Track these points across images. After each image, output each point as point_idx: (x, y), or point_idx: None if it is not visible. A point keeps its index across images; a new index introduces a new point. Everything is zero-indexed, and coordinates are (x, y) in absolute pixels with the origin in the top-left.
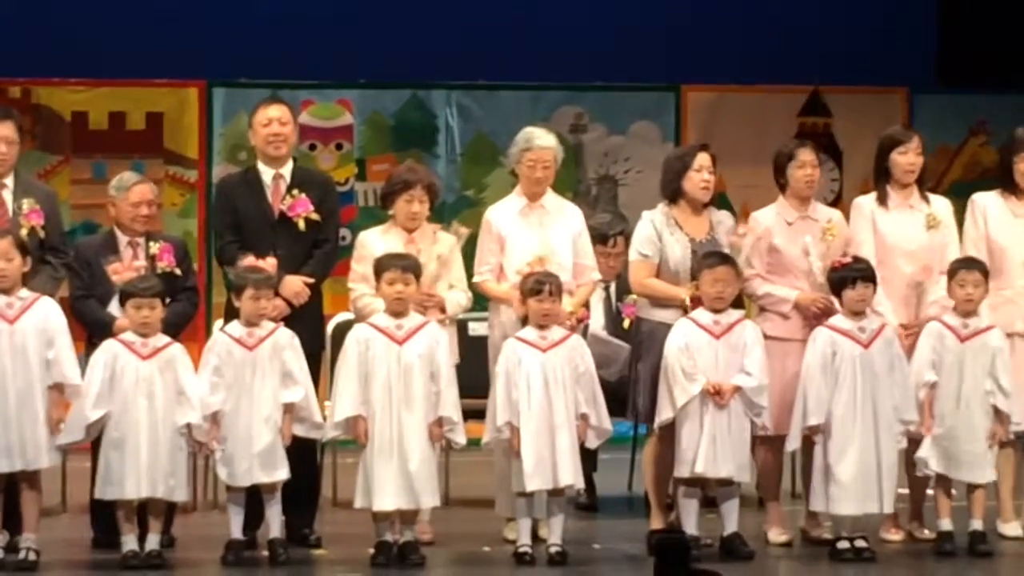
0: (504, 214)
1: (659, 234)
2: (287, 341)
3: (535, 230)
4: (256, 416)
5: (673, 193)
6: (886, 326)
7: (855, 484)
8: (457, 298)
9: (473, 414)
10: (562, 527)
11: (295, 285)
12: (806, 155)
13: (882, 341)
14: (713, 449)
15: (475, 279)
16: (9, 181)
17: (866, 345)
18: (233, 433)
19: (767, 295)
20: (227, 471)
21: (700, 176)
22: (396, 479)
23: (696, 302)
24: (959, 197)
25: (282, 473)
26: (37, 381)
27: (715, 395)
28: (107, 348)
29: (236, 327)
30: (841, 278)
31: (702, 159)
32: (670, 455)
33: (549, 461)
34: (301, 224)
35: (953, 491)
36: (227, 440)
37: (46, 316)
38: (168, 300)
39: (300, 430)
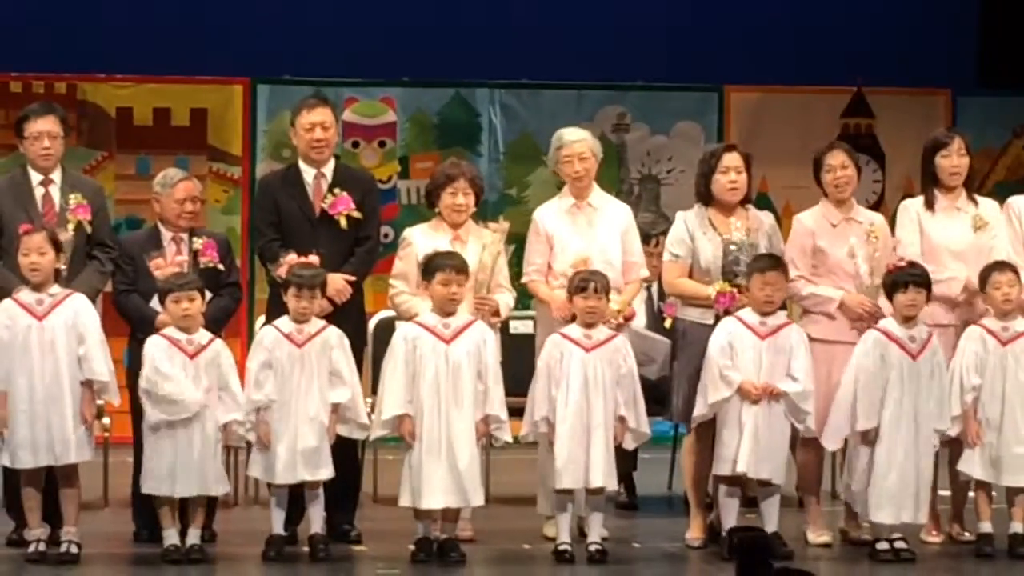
0: (551, 214)
1: (691, 234)
2: (336, 341)
3: (583, 229)
4: (302, 414)
5: (704, 195)
6: (934, 335)
7: (896, 494)
8: (506, 300)
9: (515, 412)
10: (601, 525)
11: (336, 283)
12: (833, 158)
13: (929, 351)
14: (755, 449)
15: (523, 279)
16: (56, 176)
17: (915, 356)
18: (278, 429)
19: (812, 295)
20: (265, 468)
21: (727, 177)
22: (445, 478)
23: (722, 297)
24: (1003, 199)
25: (325, 472)
26: (66, 377)
27: (755, 398)
28: (153, 343)
29: (286, 322)
30: (894, 282)
31: (728, 160)
32: (708, 454)
33: (582, 461)
34: (342, 222)
35: (993, 493)
36: (272, 435)
37: (76, 312)
38: (211, 296)
39: (344, 430)
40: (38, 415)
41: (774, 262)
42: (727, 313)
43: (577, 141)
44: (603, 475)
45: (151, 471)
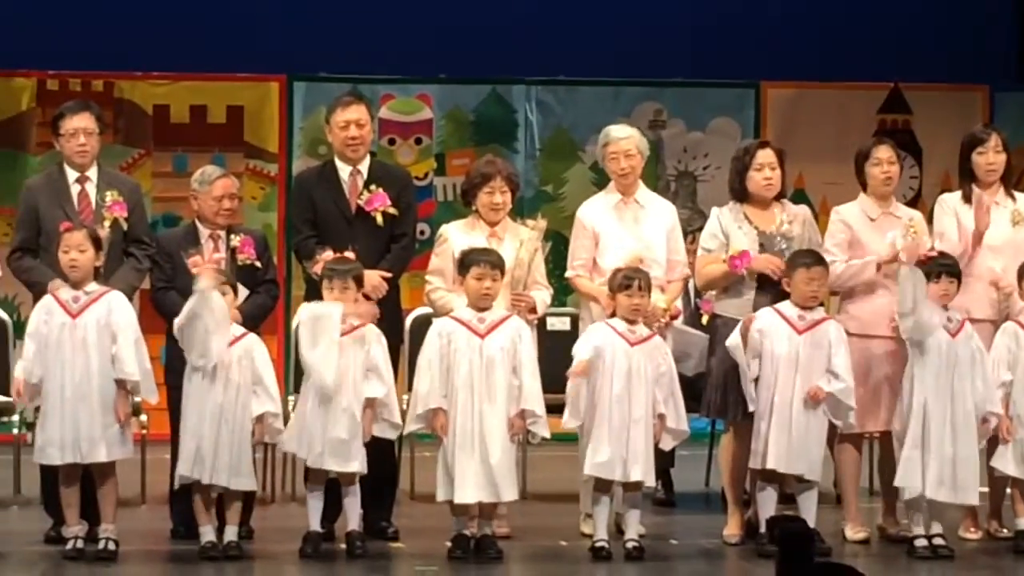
0: (597, 210)
1: (725, 230)
2: (374, 337)
3: (630, 226)
4: (335, 405)
5: (739, 192)
6: (967, 321)
7: (933, 471)
8: (543, 297)
9: (552, 408)
10: (638, 522)
11: (373, 279)
12: (882, 152)
13: (964, 334)
14: (787, 445)
15: (568, 274)
16: (93, 174)
17: (953, 335)
18: (312, 415)
19: (847, 268)
20: (300, 445)
21: (761, 174)
22: (477, 472)
23: (736, 259)
24: None
25: (355, 465)
26: (97, 375)
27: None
28: None
29: None
30: (926, 272)
31: (762, 156)
32: (745, 451)
33: (620, 454)
34: (378, 218)
35: None
36: (304, 422)
37: (110, 311)
38: (248, 293)
39: (376, 429)
40: (67, 412)
41: (818, 258)
42: (765, 301)
43: (624, 138)
44: (642, 470)
45: (185, 453)
